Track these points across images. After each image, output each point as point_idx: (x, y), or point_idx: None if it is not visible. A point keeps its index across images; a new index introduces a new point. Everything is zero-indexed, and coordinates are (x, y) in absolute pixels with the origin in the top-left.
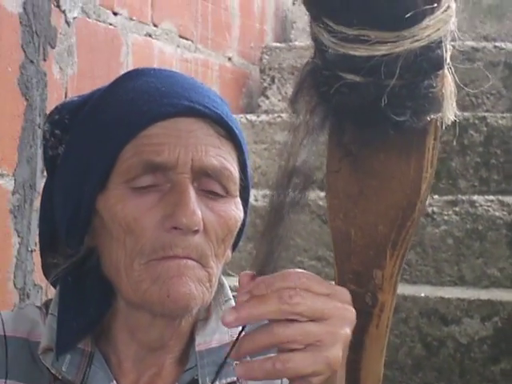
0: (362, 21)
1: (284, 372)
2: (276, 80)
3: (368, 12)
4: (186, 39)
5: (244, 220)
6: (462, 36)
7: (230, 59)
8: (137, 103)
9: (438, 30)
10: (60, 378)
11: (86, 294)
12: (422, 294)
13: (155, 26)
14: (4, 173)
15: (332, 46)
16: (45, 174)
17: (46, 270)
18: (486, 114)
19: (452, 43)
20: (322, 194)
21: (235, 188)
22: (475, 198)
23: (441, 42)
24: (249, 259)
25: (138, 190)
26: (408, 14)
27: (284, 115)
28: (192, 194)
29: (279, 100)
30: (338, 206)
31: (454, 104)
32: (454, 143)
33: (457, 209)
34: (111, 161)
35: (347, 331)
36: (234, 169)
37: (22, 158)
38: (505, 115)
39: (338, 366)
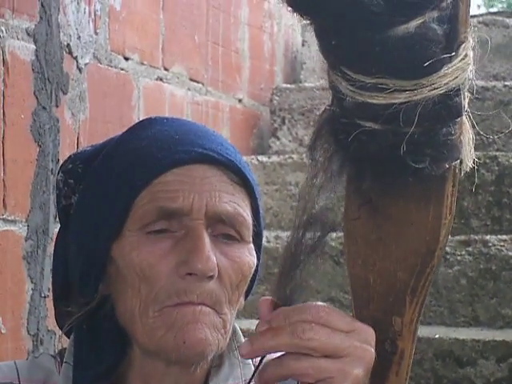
0: (381, 69)
1: None
2: (286, 121)
3: (386, 61)
4: (197, 82)
5: (257, 266)
6: (472, 75)
7: (240, 101)
8: (151, 151)
9: (456, 77)
10: None
11: (102, 342)
12: (437, 336)
13: (166, 69)
14: (17, 219)
15: (350, 95)
16: (58, 220)
17: (60, 319)
18: (497, 154)
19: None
20: (334, 234)
21: (249, 234)
22: (488, 237)
23: (459, 89)
24: None
25: (153, 236)
26: (426, 63)
27: (295, 156)
28: (206, 239)
29: (290, 141)
30: (357, 253)
31: (473, 151)
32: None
33: (470, 249)
34: (126, 208)
35: (360, 371)
36: (247, 215)
37: (34, 204)
38: None
39: None
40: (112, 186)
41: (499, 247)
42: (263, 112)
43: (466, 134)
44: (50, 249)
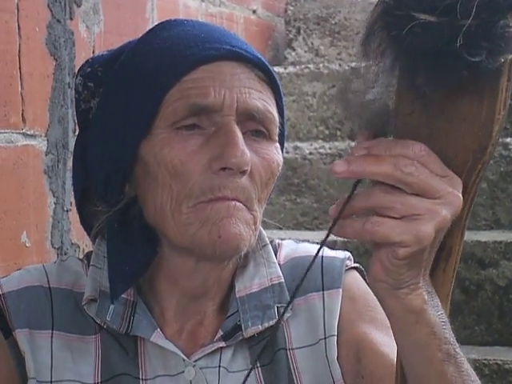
0: None
1: (372, 234)
2: (302, 31)
3: None
4: None
5: None
6: None
7: (254, 12)
8: (178, 49)
9: None
10: (105, 327)
11: (133, 242)
12: None
13: None
14: (36, 133)
15: None
16: (77, 133)
17: (88, 222)
18: None
19: None
20: (353, 143)
21: (276, 132)
22: (508, 140)
23: None
24: (282, 212)
25: (184, 132)
26: None
27: (311, 66)
28: (239, 134)
29: (305, 51)
30: None
31: None
32: None
33: None
34: (156, 105)
35: (447, 215)
36: (275, 112)
37: (53, 118)
38: None
39: (426, 242)
40: (140, 85)
41: None
42: (278, 23)
43: None
44: (71, 163)
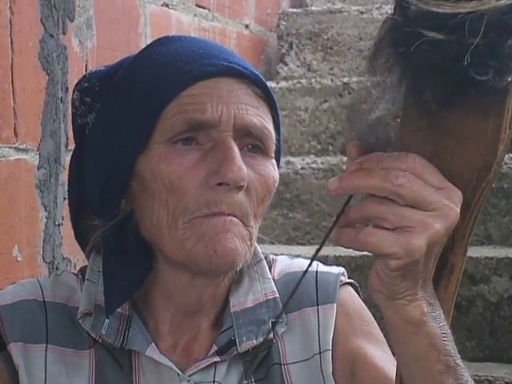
0: None
1: (364, 244)
2: (294, 46)
3: None
4: (203, 8)
5: None
6: None
7: (247, 27)
8: (176, 65)
9: None
10: (100, 341)
11: (128, 257)
12: None
13: None
14: (29, 148)
15: (415, 3)
16: (69, 148)
17: (84, 236)
18: None
19: None
20: (345, 158)
21: (273, 149)
22: None
23: None
24: (274, 227)
25: (180, 147)
26: None
27: (303, 81)
28: (236, 150)
29: (298, 66)
30: None
31: None
32: None
33: None
34: (154, 120)
35: (441, 228)
36: (272, 129)
37: (45, 133)
38: None
39: (418, 255)
40: (137, 100)
41: (511, 165)
42: (270, 38)
43: None
44: (62, 177)
